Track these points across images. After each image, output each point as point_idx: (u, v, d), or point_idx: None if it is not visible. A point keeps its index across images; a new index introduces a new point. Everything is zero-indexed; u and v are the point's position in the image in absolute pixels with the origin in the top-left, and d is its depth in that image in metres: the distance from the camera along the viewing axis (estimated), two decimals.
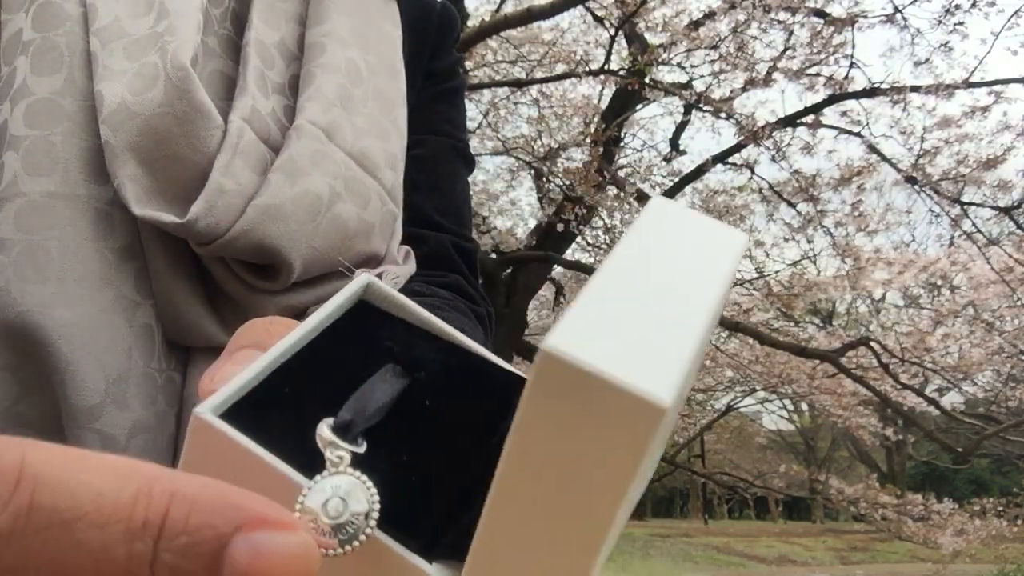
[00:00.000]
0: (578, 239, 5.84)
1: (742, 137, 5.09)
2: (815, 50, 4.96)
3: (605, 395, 0.15)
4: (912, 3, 4.66)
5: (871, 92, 5.09)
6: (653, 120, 9.93)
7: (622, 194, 5.22)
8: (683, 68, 5.20)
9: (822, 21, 4.77)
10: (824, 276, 6.75)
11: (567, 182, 5.00)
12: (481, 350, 0.28)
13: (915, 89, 4.91)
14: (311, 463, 0.22)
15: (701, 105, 5.04)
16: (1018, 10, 4.72)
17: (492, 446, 0.25)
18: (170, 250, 0.43)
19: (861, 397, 6.87)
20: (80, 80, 0.43)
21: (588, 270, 5.22)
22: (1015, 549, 8.14)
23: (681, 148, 6.04)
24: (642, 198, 5.19)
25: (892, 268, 6.54)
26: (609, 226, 5.90)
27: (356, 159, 0.48)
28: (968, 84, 4.90)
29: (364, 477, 0.21)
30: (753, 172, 5.75)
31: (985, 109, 5.29)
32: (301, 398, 0.24)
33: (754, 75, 4.97)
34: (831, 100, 5.21)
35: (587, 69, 5.00)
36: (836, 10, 4.73)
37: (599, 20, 5.05)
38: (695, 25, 4.91)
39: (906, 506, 7.21)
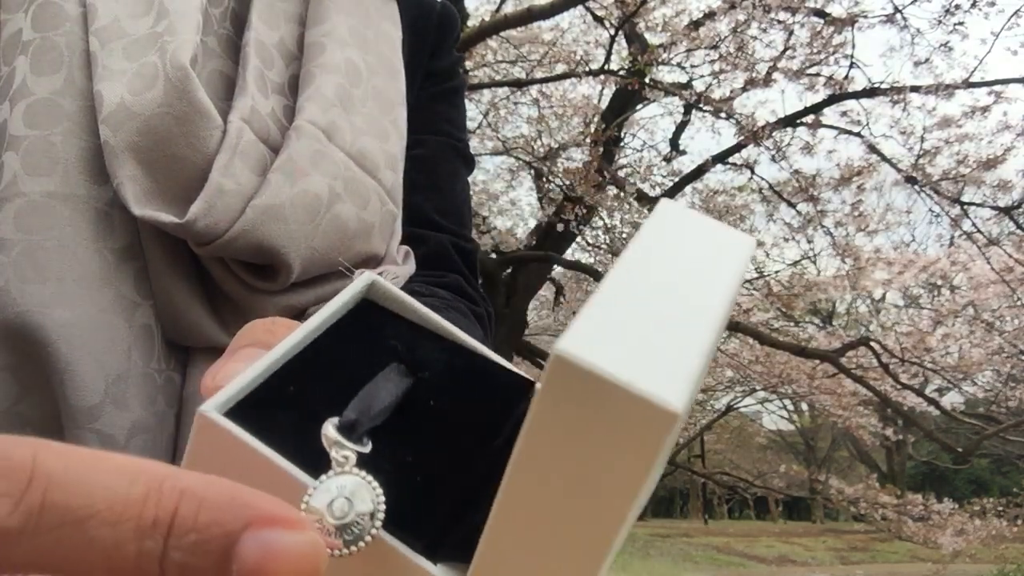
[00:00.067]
0: (578, 239, 5.85)
1: (742, 137, 5.09)
2: (815, 50, 4.96)
3: (617, 400, 0.15)
4: (912, 3, 4.67)
5: (871, 92, 5.09)
6: (653, 120, 9.93)
7: (622, 194, 5.22)
8: (683, 68, 5.21)
9: (822, 21, 4.77)
10: (824, 276, 6.75)
11: (567, 182, 5.00)
12: (485, 350, 0.28)
13: (915, 89, 4.91)
14: (316, 462, 0.22)
15: (701, 105, 5.04)
16: (1018, 10, 4.72)
17: (496, 447, 0.25)
18: (169, 250, 0.43)
19: (861, 397, 6.87)
20: (80, 80, 0.43)
21: (588, 270, 5.22)
22: (1015, 549, 8.14)
23: (681, 148, 6.05)
24: (642, 198, 5.19)
25: (892, 268, 6.54)
26: (609, 226, 5.90)
27: (355, 159, 0.48)
28: (968, 84, 4.90)
29: (369, 477, 0.21)
30: (753, 172, 5.75)
31: (985, 109, 5.29)
32: (305, 397, 0.24)
33: (754, 75, 4.97)
34: (831, 100, 5.21)
35: (587, 69, 5.00)
36: (836, 10, 4.73)
37: (599, 20, 5.05)
38: (695, 25, 4.91)
39: (906, 506, 7.21)
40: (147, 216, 0.41)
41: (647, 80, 4.58)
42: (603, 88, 5.50)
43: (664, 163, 6.11)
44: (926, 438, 8.92)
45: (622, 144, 5.86)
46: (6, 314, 0.39)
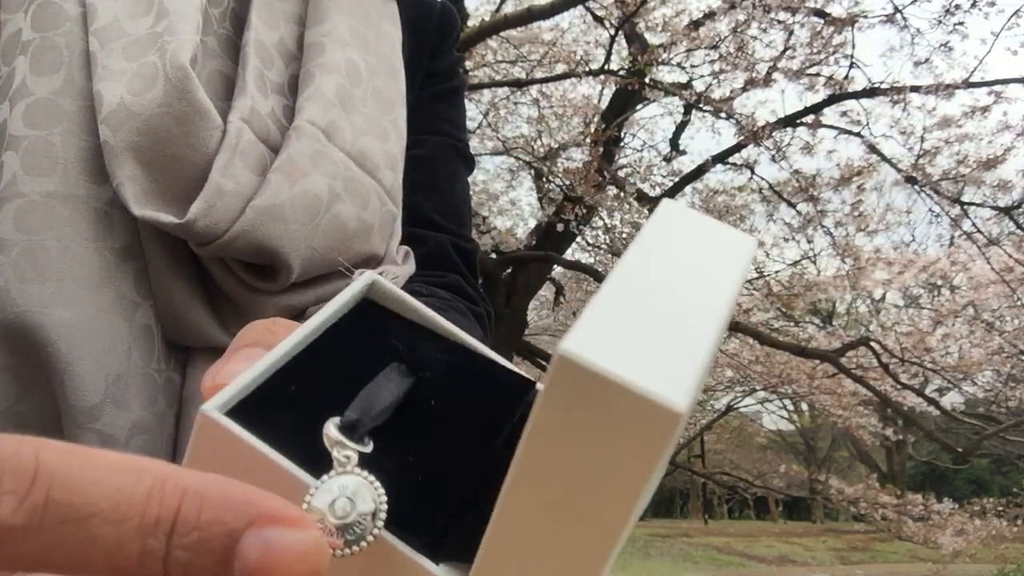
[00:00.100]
0: (578, 239, 5.84)
1: (742, 137, 5.09)
2: (815, 50, 4.96)
3: (620, 399, 0.15)
4: (912, 3, 4.67)
5: (871, 92, 5.09)
6: (653, 120, 9.93)
7: (622, 194, 5.22)
8: (683, 68, 5.21)
9: (822, 21, 4.77)
10: (824, 276, 6.75)
11: (567, 182, 5.00)
12: (486, 350, 0.28)
13: (915, 89, 4.91)
14: (316, 462, 0.22)
15: (701, 105, 5.04)
16: (1018, 10, 4.72)
17: (498, 447, 0.25)
18: (169, 250, 0.43)
19: (861, 397, 6.87)
20: (79, 80, 0.43)
21: (588, 270, 5.22)
22: (1015, 549, 8.14)
23: (681, 148, 6.05)
24: (642, 198, 5.19)
25: (892, 268, 6.54)
26: (609, 226, 5.90)
27: (355, 159, 0.48)
28: (968, 84, 4.90)
29: (371, 477, 0.21)
30: (753, 172, 5.75)
31: (985, 109, 5.29)
32: (306, 397, 0.24)
33: (754, 75, 4.97)
34: (831, 100, 5.21)
35: (587, 69, 5.00)
36: (836, 10, 4.73)
37: (599, 20, 5.05)
38: (695, 25, 4.91)
39: (906, 506, 7.21)
40: (147, 216, 0.41)
41: (647, 80, 4.58)
42: (603, 88, 5.50)
43: (664, 163, 6.11)
44: (926, 438, 8.92)
45: (622, 144, 5.86)
46: (6, 314, 0.39)
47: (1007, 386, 7.12)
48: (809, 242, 6.31)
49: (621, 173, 5.62)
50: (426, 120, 0.62)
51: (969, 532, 6.93)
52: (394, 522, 0.21)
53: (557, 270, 6.09)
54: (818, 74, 5.08)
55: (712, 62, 5.12)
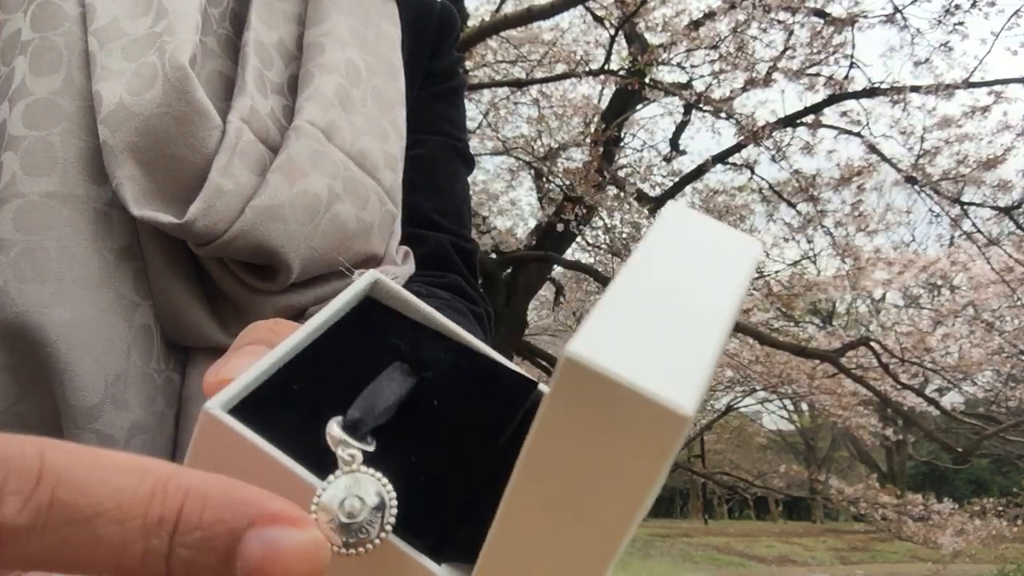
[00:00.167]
0: (578, 239, 5.84)
1: (742, 137, 5.09)
2: (815, 50, 4.96)
3: (628, 402, 0.15)
4: (912, 3, 4.67)
5: (871, 92, 5.09)
6: (653, 120, 9.94)
7: (622, 194, 5.22)
8: (683, 68, 5.21)
9: (822, 21, 4.77)
10: (824, 276, 6.75)
11: (567, 182, 5.00)
12: (488, 350, 0.28)
13: (915, 89, 4.91)
14: (318, 461, 0.22)
15: (701, 105, 5.04)
16: (1018, 10, 4.72)
17: (500, 447, 0.25)
18: (169, 250, 0.43)
19: (861, 397, 6.87)
20: (79, 80, 0.43)
21: (588, 270, 5.23)
22: (1015, 549, 8.14)
23: (681, 148, 6.05)
24: (642, 198, 5.19)
25: (892, 268, 6.54)
26: (609, 226, 5.90)
27: (355, 159, 0.48)
28: (968, 84, 4.90)
29: (379, 474, 0.21)
30: (753, 172, 5.75)
31: (985, 109, 5.29)
32: (309, 395, 0.24)
33: (754, 75, 4.97)
34: (831, 100, 5.21)
35: (587, 69, 5.00)
36: (836, 10, 4.73)
37: (599, 20, 5.05)
38: (695, 25, 4.91)
39: (906, 506, 7.21)
40: (146, 216, 0.41)
41: (647, 80, 4.58)
42: (603, 88, 5.50)
43: (664, 163, 6.11)
44: (926, 438, 8.91)
45: (622, 144, 5.86)
46: (5, 314, 0.39)
47: (1007, 386, 7.12)
48: (809, 242, 6.32)
49: (621, 173, 5.62)
50: (426, 120, 0.62)
51: (969, 532, 6.92)
52: (396, 522, 0.21)
53: (557, 270, 6.10)
54: (818, 74, 5.08)
55: (712, 62, 5.12)
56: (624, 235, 5.69)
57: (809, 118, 5.27)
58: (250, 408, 0.23)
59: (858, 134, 5.28)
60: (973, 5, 4.59)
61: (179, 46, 0.42)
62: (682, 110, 5.79)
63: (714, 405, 12.24)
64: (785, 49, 5.00)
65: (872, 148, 5.31)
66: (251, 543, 0.16)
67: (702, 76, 5.25)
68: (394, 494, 0.21)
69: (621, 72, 4.76)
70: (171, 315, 0.44)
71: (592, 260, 6.20)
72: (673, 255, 0.20)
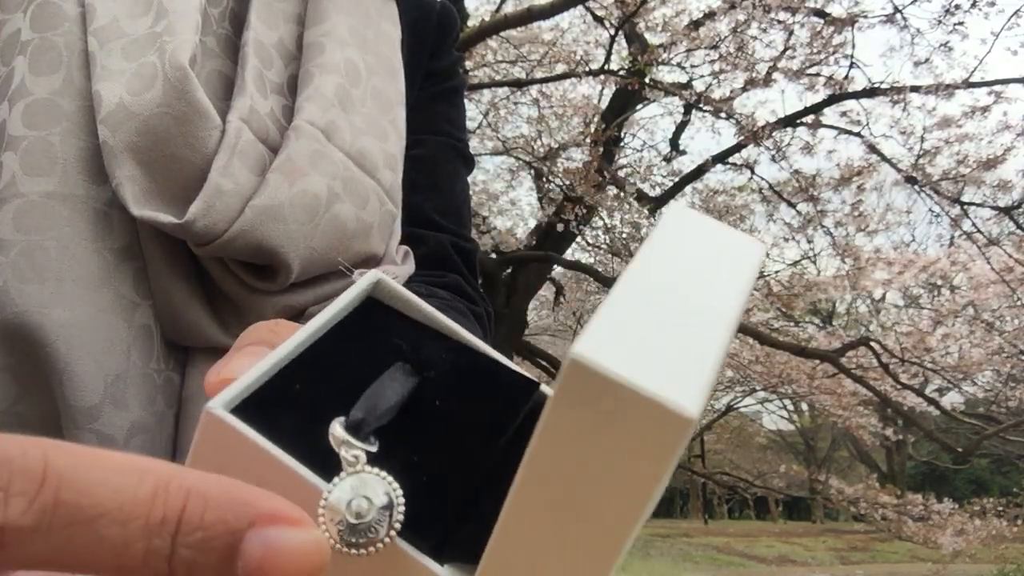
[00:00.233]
0: (578, 239, 5.85)
1: (742, 137, 5.09)
2: (815, 50, 4.97)
3: (633, 404, 0.15)
4: (912, 3, 4.67)
5: (871, 92, 5.09)
6: (653, 120, 9.93)
7: (622, 194, 5.22)
8: (683, 68, 5.21)
9: (822, 21, 4.77)
10: (824, 276, 6.75)
11: (567, 182, 5.00)
12: (489, 350, 0.28)
13: (915, 89, 4.91)
14: (321, 461, 0.22)
15: (701, 105, 5.04)
16: (1018, 10, 4.72)
17: (502, 447, 0.25)
18: (169, 250, 0.43)
19: (861, 397, 6.87)
20: (78, 80, 0.43)
21: (588, 270, 5.23)
22: (1015, 549, 8.14)
23: (681, 148, 6.05)
24: (642, 198, 5.19)
25: (892, 268, 6.54)
26: (609, 226, 5.90)
27: (355, 159, 0.48)
28: (968, 84, 4.90)
29: (384, 473, 0.21)
30: (753, 172, 5.75)
31: (985, 109, 5.30)
32: (310, 396, 0.24)
33: (754, 75, 4.97)
34: (831, 100, 5.21)
35: (587, 69, 5.00)
36: (836, 10, 4.73)
37: (599, 20, 5.05)
38: (695, 25, 4.91)
39: (906, 506, 7.21)
40: (146, 216, 0.41)
41: (647, 80, 4.58)
42: (603, 88, 5.50)
43: (664, 163, 6.11)
44: (926, 438, 8.92)
45: (622, 144, 5.87)
46: (5, 314, 0.39)
47: (1007, 386, 7.12)
48: (809, 242, 6.32)
49: (621, 173, 5.62)
50: (426, 120, 0.62)
51: (969, 532, 6.92)
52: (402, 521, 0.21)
53: (557, 270, 6.10)
54: (818, 74, 5.08)
55: (712, 62, 5.12)
56: (624, 235, 5.69)
57: (809, 118, 5.28)
58: (252, 408, 0.23)
59: (858, 134, 5.28)
60: (973, 5, 4.59)
61: (179, 46, 0.42)
62: (682, 110, 5.79)
63: (714, 405, 12.25)
64: (785, 49, 5.00)
65: (872, 148, 5.31)
66: (252, 543, 0.16)
67: (702, 76, 5.26)
68: (401, 494, 0.21)
69: (621, 72, 4.76)
70: (171, 315, 0.44)
71: (592, 260, 6.21)
72: (676, 256, 0.20)
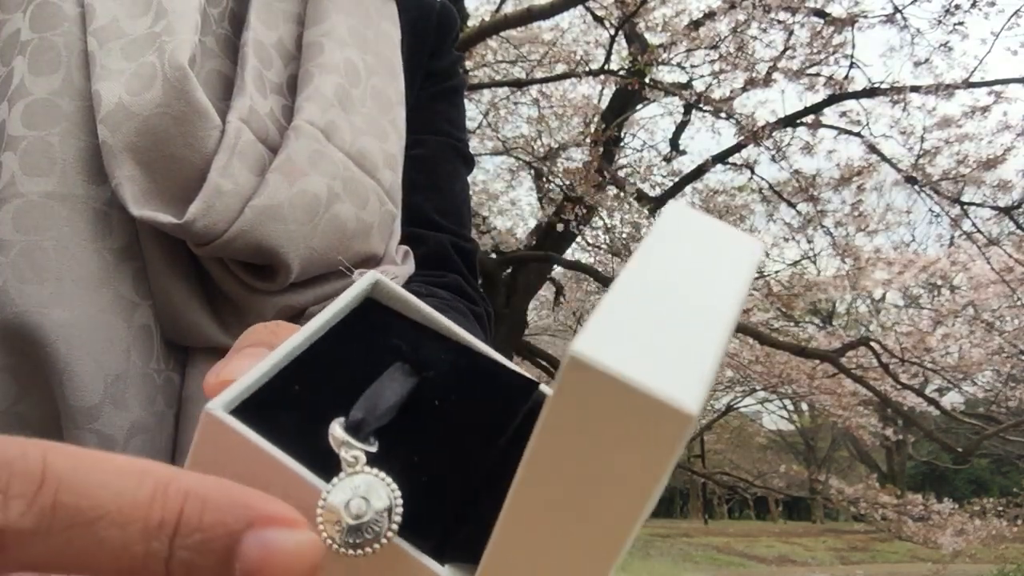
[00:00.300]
0: (578, 239, 5.85)
1: (742, 137, 5.10)
2: (815, 50, 4.97)
3: (633, 402, 0.15)
4: (912, 3, 4.67)
5: (871, 92, 5.09)
6: (653, 120, 9.94)
7: (622, 194, 5.22)
8: (683, 68, 5.21)
9: (822, 21, 4.77)
10: (824, 276, 6.76)
11: (567, 182, 5.00)
12: (489, 351, 0.28)
13: (915, 89, 4.92)
14: (320, 462, 0.22)
15: (701, 105, 5.04)
16: (1018, 10, 4.72)
17: (502, 446, 0.25)
18: (168, 250, 0.43)
19: (861, 397, 6.87)
20: (78, 80, 0.43)
21: (588, 270, 5.23)
22: (1015, 549, 8.15)
23: (681, 148, 6.05)
24: (642, 198, 5.20)
25: (892, 268, 6.54)
26: (609, 226, 5.90)
27: (354, 159, 0.48)
28: (968, 84, 4.90)
29: (383, 474, 0.21)
30: (753, 172, 5.75)
31: (985, 109, 5.30)
32: (310, 396, 0.24)
33: (754, 75, 4.98)
34: (831, 100, 5.21)
35: (587, 69, 5.00)
36: (836, 10, 4.73)
37: (599, 20, 5.05)
38: (695, 25, 4.91)
39: (906, 506, 7.21)
40: (145, 216, 0.41)
41: (647, 80, 4.58)
42: (603, 88, 5.50)
43: (664, 163, 6.11)
44: (926, 438, 8.92)
45: (622, 144, 5.87)
46: (5, 314, 0.39)
47: (1007, 386, 7.12)
48: (809, 242, 6.33)
49: (621, 173, 5.63)
50: (426, 120, 0.62)
51: (969, 532, 6.92)
52: (399, 523, 0.21)
53: (557, 270, 6.10)
54: (818, 74, 5.08)
55: (712, 62, 5.12)
56: (624, 235, 5.69)
57: (809, 118, 5.28)
58: (251, 409, 0.23)
59: (858, 134, 5.28)
60: (973, 5, 4.59)
61: (178, 46, 0.42)
62: (682, 110, 5.80)
63: (714, 405, 12.26)
64: (785, 49, 5.00)
65: (872, 148, 5.31)
66: (249, 544, 0.16)
67: (702, 76, 5.26)
68: (399, 494, 0.21)
69: (621, 72, 4.76)
70: (171, 315, 0.44)
71: (592, 260, 6.21)
72: (675, 255, 0.20)
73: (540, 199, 5.89)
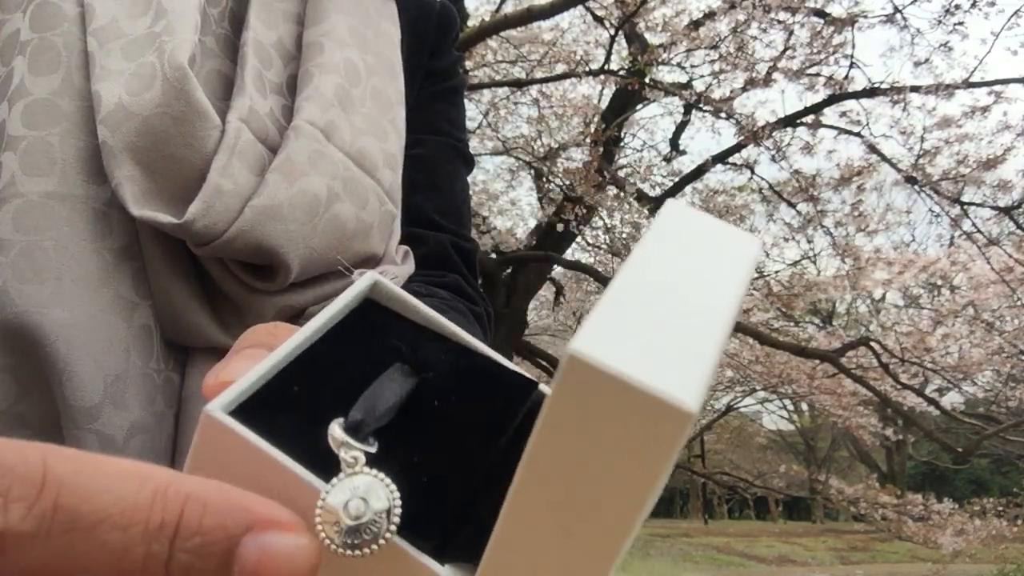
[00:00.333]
0: (578, 239, 5.85)
1: (742, 137, 5.10)
2: (815, 50, 4.97)
3: (632, 400, 0.15)
4: (912, 3, 4.67)
5: (871, 92, 5.09)
6: (653, 120, 9.95)
7: (622, 194, 5.22)
8: (683, 68, 5.21)
9: (822, 21, 4.77)
10: (824, 276, 6.76)
11: (567, 182, 5.00)
12: (488, 351, 0.28)
13: (915, 89, 4.92)
14: (319, 463, 0.22)
15: (701, 105, 5.04)
16: (1018, 10, 4.72)
17: (501, 447, 0.25)
18: (168, 250, 0.43)
19: (861, 397, 6.87)
20: (78, 80, 0.43)
21: (588, 270, 5.22)
22: (1015, 549, 8.15)
23: (681, 148, 6.05)
24: (642, 198, 5.20)
25: (892, 268, 6.54)
26: (609, 226, 5.90)
27: (354, 159, 0.48)
28: (968, 84, 4.90)
29: (383, 475, 0.21)
30: (753, 172, 5.75)
31: (985, 109, 5.30)
32: (309, 397, 0.24)
33: (754, 75, 4.98)
34: (831, 100, 5.21)
35: (587, 69, 5.00)
36: (836, 10, 4.73)
37: (599, 20, 5.05)
38: (695, 25, 4.91)
39: (906, 506, 7.21)
40: (145, 216, 0.41)
41: (647, 80, 4.58)
42: (603, 88, 5.50)
43: (664, 163, 6.12)
44: (926, 438, 8.92)
45: (622, 144, 5.87)
46: (4, 314, 0.39)
47: (1007, 386, 7.12)
48: (809, 242, 6.33)
49: (621, 173, 5.63)
50: (426, 120, 0.62)
51: (969, 532, 6.92)
52: (400, 523, 0.21)
53: (557, 270, 6.10)
54: (818, 74, 5.08)
55: (712, 62, 5.13)
56: (624, 235, 5.69)
57: (809, 118, 5.28)
58: (250, 411, 0.23)
59: (858, 134, 5.28)
60: (973, 5, 4.59)
61: (178, 46, 0.42)
62: (682, 110, 5.80)
63: (714, 405, 12.26)
64: (785, 49, 5.00)
65: (872, 148, 5.31)
66: (248, 547, 0.17)
67: (702, 76, 5.26)
68: (398, 495, 0.21)
69: (621, 72, 4.76)
70: (171, 315, 0.44)
71: (592, 260, 6.21)
72: (673, 252, 0.20)
73: (540, 199, 5.89)
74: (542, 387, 0.27)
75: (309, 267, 0.46)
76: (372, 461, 0.22)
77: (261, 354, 0.25)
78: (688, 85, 5.16)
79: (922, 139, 5.28)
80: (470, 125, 5.44)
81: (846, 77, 4.99)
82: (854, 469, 16.06)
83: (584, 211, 4.91)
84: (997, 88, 5.11)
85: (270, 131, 0.45)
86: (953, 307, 6.71)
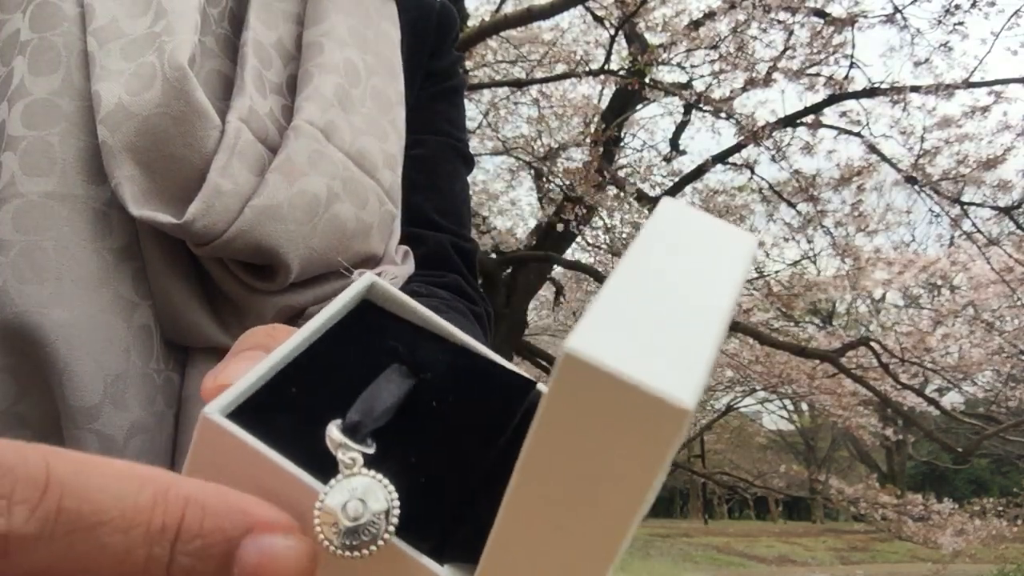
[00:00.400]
0: (578, 239, 5.85)
1: (742, 137, 5.10)
2: (815, 50, 4.97)
3: (628, 398, 0.15)
4: (912, 3, 4.67)
5: (871, 92, 5.09)
6: (653, 120, 9.95)
7: (622, 194, 5.22)
8: (683, 68, 5.21)
9: (822, 21, 4.77)
10: (824, 276, 6.76)
11: (567, 182, 5.00)
12: (486, 351, 0.28)
13: (915, 89, 4.92)
14: (318, 464, 0.22)
15: (701, 105, 5.04)
16: (1018, 10, 4.72)
17: (500, 447, 0.25)
18: (168, 250, 0.43)
19: (861, 397, 6.87)
20: (78, 80, 0.43)
21: (588, 270, 5.22)
22: (1015, 549, 8.14)
23: (681, 148, 6.05)
24: (642, 198, 5.19)
25: (892, 268, 6.54)
26: (609, 226, 5.90)
27: (354, 159, 0.48)
28: (968, 84, 4.90)
29: (380, 476, 0.21)
30: (753, 172, 5.75)
31: (985, 109, 5.30)
32: (307, 399, 0.24)
33: (754, 75, 4.98)
34: (831, 100, 5.21)
35: (587, 69, 5.00)
36: (836, 10, 4.73)
37: (599, 20, 5.05)
38: (695, 25, 4.91)
39: (906, 506, 7.21)
40: (145, 216, 0.41)
41: (647, 80, 4.58)
42: (603, 88, 5.50)
43: (664, 163, 6.12)
44: (926, 438, 8.92)
45: (622, 144, 5.87)
46: (4, 314, 0.39)
47: (1007, 386, 7.12)
48: (809, 242, 6.33)
49: (621, 173, 5.63)
50: (426, 120, 0.62)
51: (969, 532, 6.92)
52: (398, 524, 0.21)
53: (557, 270, 6.10)
54: (818, 74, 5.08)
55: (712, 62, 5.13)
56: (624, 235, 5.69)
57: (809, 118, 5.28)
58: (248, 413, 0.23)
59: (858, 134, 5.28)
60: (973, 5, 4.59)
61: (178, 46, 0.42)
62: (682, 110, 5.80)
63: (714, 405, 12.25)
64: (785, 49, 5.00)
65: (872, 148, 5.31)
66: (247, 550, 0.17)
67: (702, 76, 5.26)
68: (396, 496, 0.21)
69: (621, 72, 4.76)
70: (171, 315, 0.44)
71: (592, 260, 6.20)
72: (669, 250, 0.20)
73: (540, 199, 5.89)
74: (540, 387, 0.27)
75: (309, 267, 0.46)
76: (370, 462, 0.22)
77: (259, 356, 0.25)
78: (688, 85, 5.16)
79: (922, 139, 5.28)
80: (470, 125, 5.44)
81: (846, 77, 4.99)
82: (854, 469, 16.06)
83: (584, 211, 4.91)
84: (997, 88, 5.11)
85: (270, 131, 0.45)
86: (953, 307, 6.71)
